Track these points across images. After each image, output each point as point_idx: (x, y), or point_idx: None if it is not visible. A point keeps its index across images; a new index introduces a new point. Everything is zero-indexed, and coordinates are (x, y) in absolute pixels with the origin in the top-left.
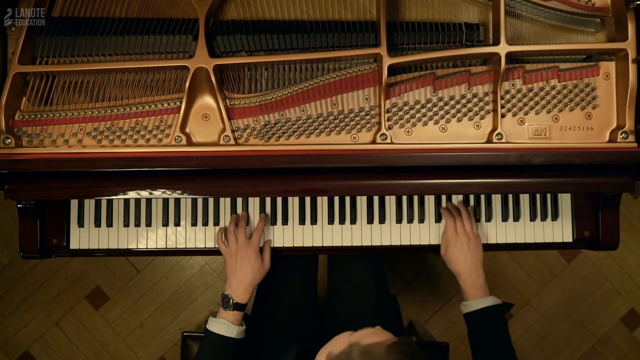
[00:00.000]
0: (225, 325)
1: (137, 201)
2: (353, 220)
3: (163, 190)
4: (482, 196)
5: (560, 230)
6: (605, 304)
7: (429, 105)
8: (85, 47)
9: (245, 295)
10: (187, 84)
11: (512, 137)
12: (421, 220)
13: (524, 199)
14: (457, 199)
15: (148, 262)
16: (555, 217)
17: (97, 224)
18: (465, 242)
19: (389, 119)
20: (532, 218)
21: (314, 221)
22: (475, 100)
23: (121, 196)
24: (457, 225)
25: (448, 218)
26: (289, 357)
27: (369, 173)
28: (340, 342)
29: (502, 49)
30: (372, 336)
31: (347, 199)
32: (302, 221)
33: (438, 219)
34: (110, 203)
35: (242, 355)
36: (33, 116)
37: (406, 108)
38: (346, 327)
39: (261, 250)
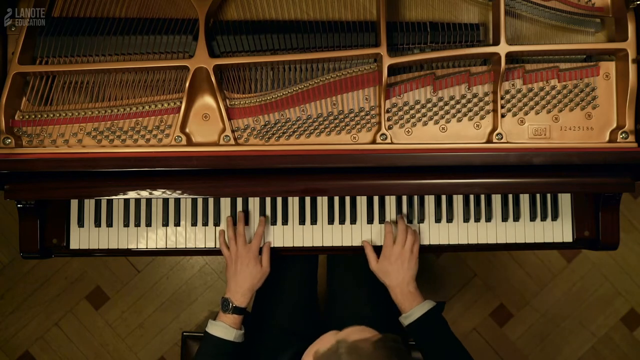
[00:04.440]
0: (224, 329)
1: (137, 201)
2: (353, 220)
3: (163, 190)
4: (482, 196)
5: (560, 230)
6: (605, 304)
7: (429, 105)
8: (85, 47)
9: (244, 299)
10: (187, 84)
11: (512, 137)
12: (421, 220)
13: (524, 199)
14: (457, 199)
15: (148, 262)
16: (555, 217)
17: (97, 224)
18: (400, 259)
19: (389, 119)
20: (532, 218)
21: (314, 221)
22: (475, 100)
23: (121, 196)
24: (398, 242)
25: (388, 233)
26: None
27: (369, 173)
28: (326, 341)
29: (502, 49)
30: (359, 333)
31: (347, 199)
32: (302, 221)
33: (438, 219)
34: (110, 203)
35: (242, 355)
36: (33, 116)
37: (406, 108)
38: (346, 326)
39: (261, 251)
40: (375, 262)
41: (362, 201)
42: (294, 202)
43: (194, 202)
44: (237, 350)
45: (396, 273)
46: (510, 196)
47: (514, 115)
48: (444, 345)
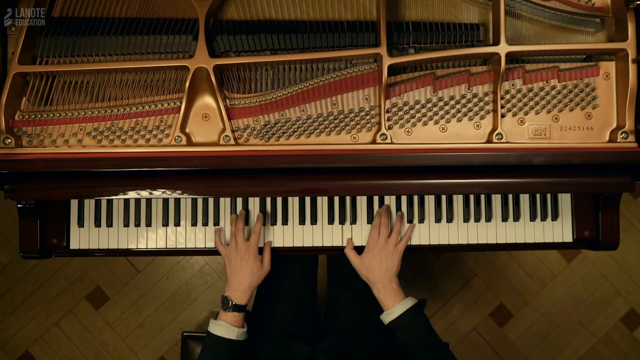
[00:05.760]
0: (225, 327)
1: (137, 201)
2: (353, 221)
3: (163, 190)
4: (482, 196)
5: (560, 230)
6: (605, 304)
7: (429, 105)
8: (85, 47)
9: (244, 297)
10: (187, 84)
11: (512, 137)
12: (421, 220)
13: (524, 199)
14: (457, 199)
15: (148, 262)
16: (555, 217)
17: (97, 224)
18: (383, 253)
19: (389, 119)
20: (532, 218)
21: (314, 221)
22: (475, 100)
23: (121, 196)
24: (381, 234)
25: (374, 227)
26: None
27: (369, 173)
28: None
29: (502, 49)
30: None
31: (348, 199)
32: (302, 221)
33: (438, 219)
34: (110, 203)
35: (243, 356)
36: (33, 116)
37: (406, 108)
38: (347, 327)
39: (261, 251)
40: (356, 257)
41: (362, 201)
42: (294, 202)
43: (194, 202)
44: (240, 347)
45: (379, 267)
46: (510, 196)
47: (514, 115)
48: (426, 342)
